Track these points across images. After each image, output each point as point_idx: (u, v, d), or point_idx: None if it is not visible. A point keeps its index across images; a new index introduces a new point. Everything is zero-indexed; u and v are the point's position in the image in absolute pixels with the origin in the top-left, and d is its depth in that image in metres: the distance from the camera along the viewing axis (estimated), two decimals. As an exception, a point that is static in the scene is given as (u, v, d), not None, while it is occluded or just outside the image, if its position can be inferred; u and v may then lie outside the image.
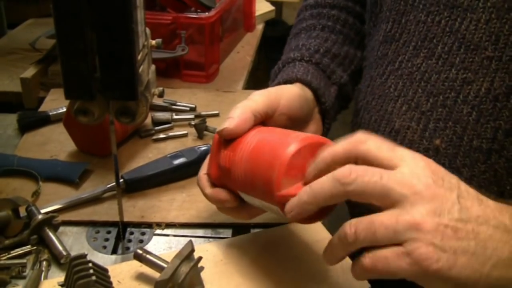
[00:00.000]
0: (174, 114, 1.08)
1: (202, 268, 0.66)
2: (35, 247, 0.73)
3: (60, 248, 0.72)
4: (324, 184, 0.54)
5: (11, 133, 1.03)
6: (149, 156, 0.97)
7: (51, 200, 0.83)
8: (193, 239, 0.69)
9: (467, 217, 0.50)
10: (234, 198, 0.68)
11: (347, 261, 0.56)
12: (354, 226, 0.52)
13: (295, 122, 0.73)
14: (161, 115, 1.07)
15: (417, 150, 0.65)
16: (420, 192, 0.50)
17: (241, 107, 0.68)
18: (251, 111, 0.68)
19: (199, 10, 1.32)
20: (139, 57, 0.63)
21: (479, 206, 0.51)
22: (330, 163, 0.56)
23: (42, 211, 0.78)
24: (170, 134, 1.03)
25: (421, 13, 0.68)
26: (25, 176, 0.88)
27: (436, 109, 0.66)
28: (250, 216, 0.71)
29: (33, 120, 1.04)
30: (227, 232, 0.80)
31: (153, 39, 0.71)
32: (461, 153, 0.64)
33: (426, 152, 0.66)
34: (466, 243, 0.49)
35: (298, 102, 0.74)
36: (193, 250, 0.64)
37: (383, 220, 0.50)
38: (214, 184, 0.70)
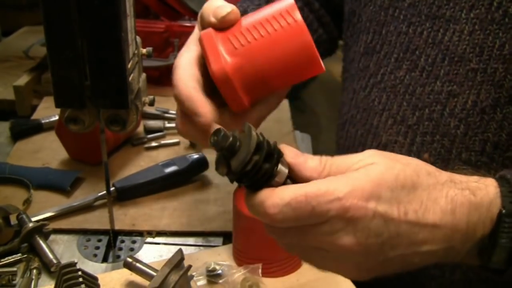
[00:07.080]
0: (166, 122, 1.08)
1: (192, 276, 0.66)
2: (25, 255, 0.73)
3: (51, 256, 0.72)
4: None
5: (4, 141, 1.03)
6: (141, 164, 0.97)
7: (43, 208, 0.83)
8: (183, 247, 0.69)
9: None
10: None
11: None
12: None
13: None
14: (154, 123, 1.07)
15: None
16: None
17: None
18: None
19: (192, 19, 1.32)
20: (129, 66, 0.63)
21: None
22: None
23: (33, 219, 0.78)
24: (162, 142, 1.03)
25: (402, 24, 0.67)
26: (16, 184, 0.88)
27: (422, 122, 0.65)
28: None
29: (25, 128, 1.04)
30: (218, 241, 0.80)
31: (146, 47, 0.71)
32: (450, 167, 0.62)
33: None
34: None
35: None
36: (182, 259, 0.64)
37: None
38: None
